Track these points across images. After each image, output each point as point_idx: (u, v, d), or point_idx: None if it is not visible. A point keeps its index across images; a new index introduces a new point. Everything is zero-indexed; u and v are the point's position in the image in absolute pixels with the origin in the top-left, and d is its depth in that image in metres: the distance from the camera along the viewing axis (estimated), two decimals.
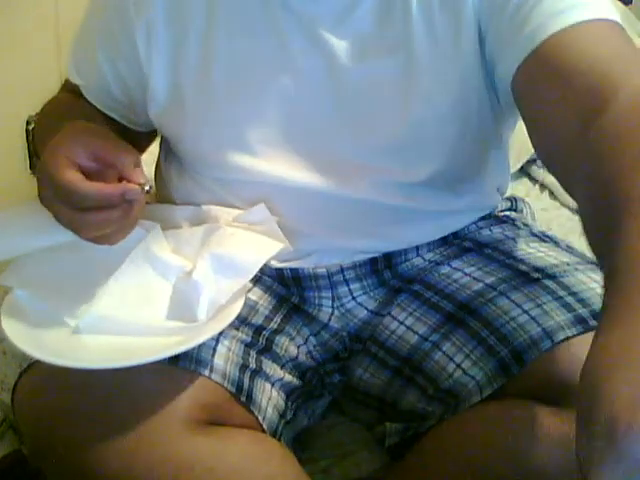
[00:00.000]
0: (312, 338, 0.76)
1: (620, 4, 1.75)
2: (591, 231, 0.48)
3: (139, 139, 0.82)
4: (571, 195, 0.54)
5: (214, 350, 0.64)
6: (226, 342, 0.66)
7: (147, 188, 0.58)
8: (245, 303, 0.66)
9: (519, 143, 1.11)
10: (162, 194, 0.82)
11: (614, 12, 0.59)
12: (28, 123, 1.32)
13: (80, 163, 0.58)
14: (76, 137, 0.61)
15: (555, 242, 0.76)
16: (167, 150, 0.81)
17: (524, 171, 1.33)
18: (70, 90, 0.80)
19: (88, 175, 0.58)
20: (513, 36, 0.59)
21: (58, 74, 1.19)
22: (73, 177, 0.57)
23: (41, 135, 0.73)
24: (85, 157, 0.59)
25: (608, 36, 0.56)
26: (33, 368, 0.62)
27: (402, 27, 0.64)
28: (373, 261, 0.74)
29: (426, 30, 0.64)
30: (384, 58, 0.66)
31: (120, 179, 0.59)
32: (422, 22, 0.64)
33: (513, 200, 0.85)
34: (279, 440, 0.67)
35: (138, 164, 0.60)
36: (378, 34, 0.66)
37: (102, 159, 0.59)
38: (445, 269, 0.74)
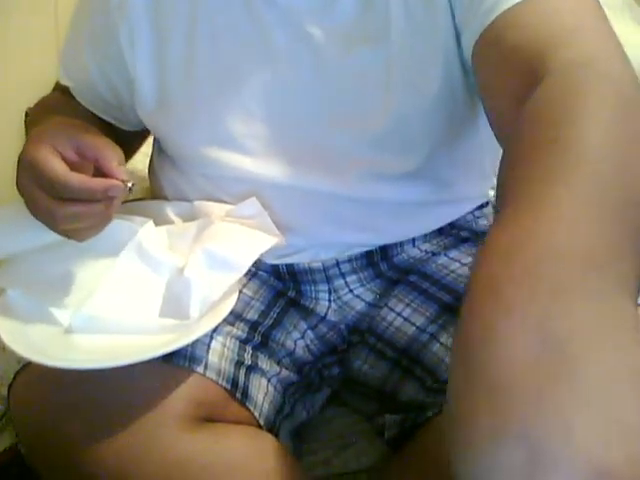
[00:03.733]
0: (310, 332, 0.75)
1: None
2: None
3: (131, 138, 0.83)
4: None
5: (208, 347, 0.64)
6: (220, 338, 0.66)
7: (130, 185, 0.58)
8: (240, 299, 0.66)
9: None
10: (155, 189, 0.82)
11: None
12: (27, 115, 1.32)
13: (62, 154, 0.58)
14: (61, 129, 0.61)
15: None
16: (159, 148, 0.80)
17: None
18: (62, 90, 0.80)
19: (68, 167, 0.58)
20: (473, 11, 0.57)
21: (58, 74, 1.19)
22: (58, 166, 0.57)
23: (30, 128, 0.74)
24: (68, 149, 0.59)
25: (560, 7, 0.52)
26: (28, 367, 0.62)
27: (383, 16, 0.64)
28: (369, 254, 0.74)
29: (404, 16, 0.63)
30: (367, 49, 0.65)
31: (97, 175, 0.59)
32: (401, 8, 0.63)
33: None
34: (277, 435, 0.67)
35: (122, 162, 0.60)
36: (360, 25, 0.65)
37: (84, 153, 0.59)
38: (442, 259, 0.73)
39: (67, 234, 0.60)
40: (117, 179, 0.58)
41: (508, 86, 0.50)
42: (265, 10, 0.66)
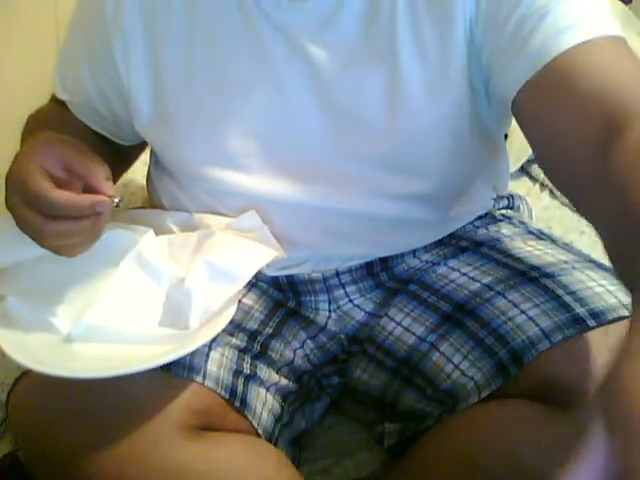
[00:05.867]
0: (309, 342, 0.75)
1: (620, 4, 1.75)
2: (618, 264, 0.48)
3: (127, 151, 0.83)
4: (592, 223, 0.53)
5: (207, 356, 0.64)
6: (219, 348, 0.66)
7: (117, 201, 0.58)
8: (239, 308, 0.66)
9: (519, 143, 1.11)
10: (153, 200, 0.82)
11: (615, 25, 0.58)
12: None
13: (50, 171, 0.59)
14: (49, 146, 0.61)
15: (552, 240, 0.75)
16: (157, 158, 0.80)
17: (524, 170, 1.33)
18: (57, 101, 0.80)
19: (57, 184, 0.58)
20: (515, 55, 0.58)
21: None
22: (44, 184, 0.57)
23: (23, 141, 0.73)
24: (56, 166, 0.59)
25: (615, 56, 0.55)
26: (28, 375, 0.62)
27: (388, 37, 0.63)
28: (369, 264, 0.74)
29: (413, 42, 0.63)
30: (369, 68, 0.64)
31: (86, 192, 0.59)
32: (409, 34, 0.63)
33: (510, 198, 0.84)
34: (275, 444, 0.67)
35: (109, 178, 0.60)
36: (362, 43, 0.64)
37: (72, 170, 0.59)
38: (442, 269, 0.73)
39: (56, 250, 0.60)
40: (104, 194, 0.58)
41: (585, 134, 0.52)
42: (262, 25, 0.66)
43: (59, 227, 0.57)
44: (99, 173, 0.59)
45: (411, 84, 0.63)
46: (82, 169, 0.59)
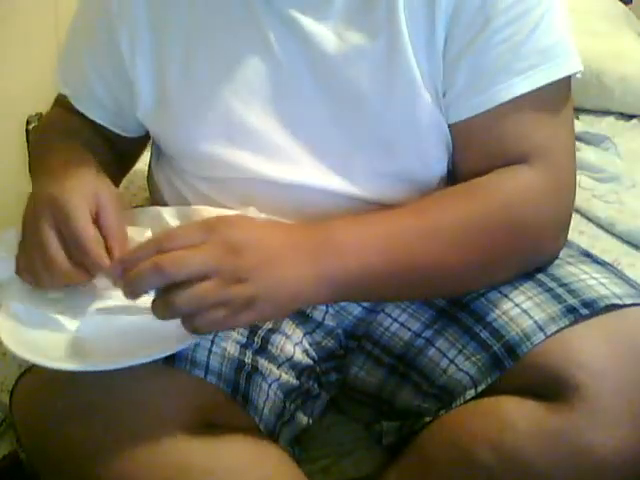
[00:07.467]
0: (307, 337, 0.75)
1: (620, 4, 1.75)
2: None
3: (130, 148, 0.84)
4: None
5: (210, 351, 0.64)
6: (222, 343, 0.66)
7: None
8: None
9: None
10: (154, 197, 0.83)
11: (576, 59, 0.65)
12: (28, 123, 1.32)
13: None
14: (96, 191, 0.66)
15: None
16: (158, 154, 0.81)
17: None
18: (61, 104, 0.81)
19: None
20: (467, 86, 0.65)
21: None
22: (93, 239, 0.62)
23: (39, 159, 0.75)
24: (93, 209, 0.64)
25: (541, 117, 0.65)
26: (30, 372, 0.62)
27: (385, 12, 0.64)
28: None
29: (409, 9, 0.64)
30: (365, 44, 0.65)
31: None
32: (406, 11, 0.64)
33: None
34: (277, 440, 0.67)
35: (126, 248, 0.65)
36: (358, 19, 0.66)
37: (100, 220, 0.64)
38: None
39: (30, 270, 0.64)
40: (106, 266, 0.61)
41: (475, 165, 0.66)
42: (262, 10, 0.67)
43: (68, 266, 0.62)
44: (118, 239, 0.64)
45: (408, 59, 0.65)
46: (108, 230, 0.64)
